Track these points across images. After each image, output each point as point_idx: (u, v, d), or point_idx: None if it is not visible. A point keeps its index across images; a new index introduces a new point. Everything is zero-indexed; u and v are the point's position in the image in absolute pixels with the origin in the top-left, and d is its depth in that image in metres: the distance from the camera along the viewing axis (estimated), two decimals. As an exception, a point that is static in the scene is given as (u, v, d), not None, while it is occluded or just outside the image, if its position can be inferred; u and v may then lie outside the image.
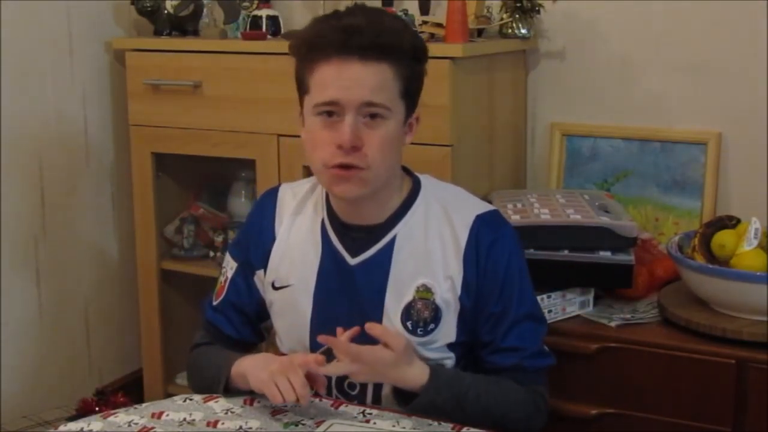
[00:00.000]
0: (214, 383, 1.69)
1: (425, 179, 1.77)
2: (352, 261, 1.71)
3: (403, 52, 1.60)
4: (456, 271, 1.69)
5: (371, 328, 1.60)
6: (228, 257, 1.86)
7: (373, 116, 1.59)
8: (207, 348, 1.82)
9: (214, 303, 1.85)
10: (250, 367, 1.64)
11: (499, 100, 2.54)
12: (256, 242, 1.80)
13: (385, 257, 1.70)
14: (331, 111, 1.59)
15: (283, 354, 1.80)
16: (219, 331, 1.83)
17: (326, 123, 1.60)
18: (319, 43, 1.59)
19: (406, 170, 1.76)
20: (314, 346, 1.74)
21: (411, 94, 1.64)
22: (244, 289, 1.82)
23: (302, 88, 1.65)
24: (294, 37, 1.68)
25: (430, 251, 1.69)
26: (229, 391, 1.68)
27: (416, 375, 1.62)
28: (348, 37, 1.56)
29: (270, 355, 1.70)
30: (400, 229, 1.70)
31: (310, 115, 1.62)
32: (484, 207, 1.76)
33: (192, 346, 1.87)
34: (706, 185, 2.49)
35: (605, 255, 2.15)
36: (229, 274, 1.83)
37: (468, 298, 1.69)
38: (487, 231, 1.70)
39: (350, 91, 1.56)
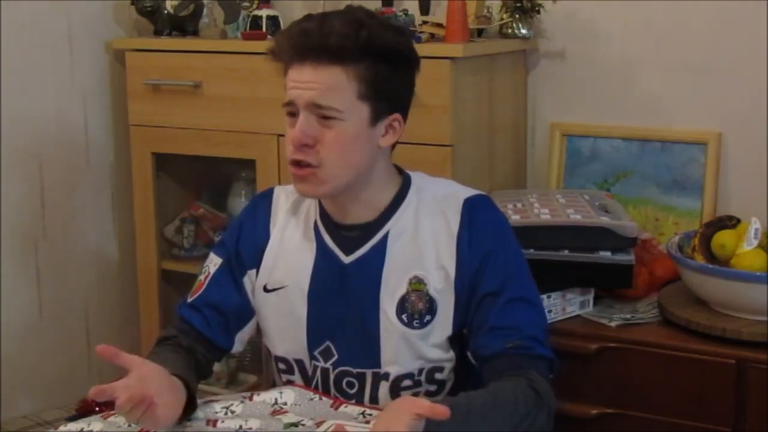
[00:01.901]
0: None
1: (415, 175, 1.78)
2: (347, 260, 1.72)
3: (356, 54, 1.60)
4: (449, 259, 1.68)
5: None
6: (211, 256, 1.83)
7: (324, 117, 1.62)
8: (165, 349, 1.75)
9: (190, 300, 1.80)
10: None
11: (499, 100, 2.54)
12: (248, 241, 1.79)
13: (378, 254, 1.70)
14: (292, 112, 1.65)
15: (278, 357, 1.80)
16: (190, 326, 1.78)
17: (290, 123, 1.66)
18: (282, 49, 1.66)
19: (397, 168, 1.77)
20: (311, 347, 1.74)
21: (379, 96, 1.64)
22: (226, 286, 1.79)
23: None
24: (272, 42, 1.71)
25: (421, 244, 1.70)
26: None
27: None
28: (299, 42, 1.62)
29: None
30: (392, 226, 1.71)
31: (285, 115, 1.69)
32: (472, 192, 1.76)
33: (156, 340, 1.81)
34: (706, 185, 2.48)
35: (605, 255, 2.15)
36: (212, 270, 1.81)
37: (463, 282, 1.68)
38: (477, 211, 1.71)
39: (301, 93, 1.62)
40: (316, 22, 1.63)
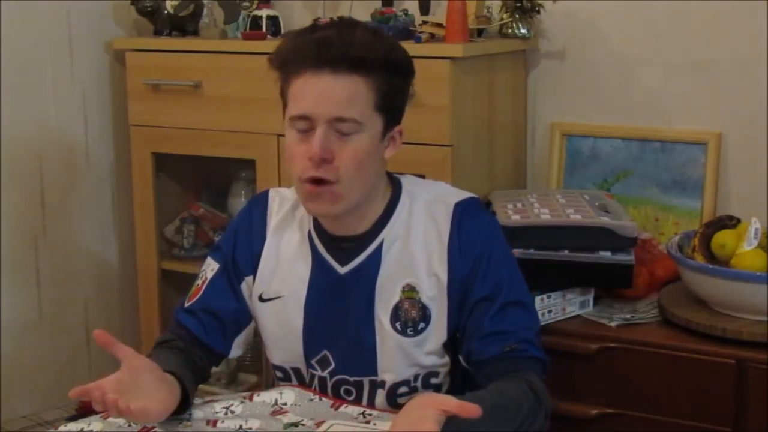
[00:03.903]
0: None
1: (405, 180, 1.76)
2: (342, 270, 1.71)
3: (376, 64, 1.59)
4: (440, 266, 1.68)
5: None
6: (209, 261, 1.81)
7: (343, 133, 1.59)
8: (161, 351, 1.74)
9: (187, 305, 1.78)
10: None
11: (499, 100, 2.54)
12: (244, 248, 1.77)
13: (373, 263, 1.70)
14: (304, 128, 1.60)
15: (275, 365, 1.79)
16: (187, 331, 1.76)
17: (300, 137, 1.61)
18: (292, 57, 1.61)
19: (387, 174, 1.75)
20: (309, 356, 1.74)
21: (389, 107, 1.63)
22: (224, 292, 1.77)
23: (283, 101, 1.65)
24: (273, 51, 1.66)
25: (413, 251, 1.69)
26: None
27: None
28: (319, 50, 1.57)
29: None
30: (386, 235, 1.70)
31: (288, 128, 1.64)
32: (462, 195, 1.75)
33: (155, 343, 1.79)
34: (706, 185, 2.48)
35: (605, 255, 2.15)
36: (209, 276, 1.79)
37: (455, 288, 1.67)
38: (467, 217, 1.70)
39: (320, 106, 1.58)
40: (335, 31, 1.60)
